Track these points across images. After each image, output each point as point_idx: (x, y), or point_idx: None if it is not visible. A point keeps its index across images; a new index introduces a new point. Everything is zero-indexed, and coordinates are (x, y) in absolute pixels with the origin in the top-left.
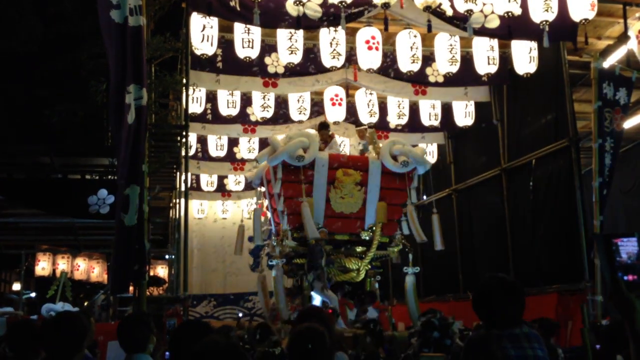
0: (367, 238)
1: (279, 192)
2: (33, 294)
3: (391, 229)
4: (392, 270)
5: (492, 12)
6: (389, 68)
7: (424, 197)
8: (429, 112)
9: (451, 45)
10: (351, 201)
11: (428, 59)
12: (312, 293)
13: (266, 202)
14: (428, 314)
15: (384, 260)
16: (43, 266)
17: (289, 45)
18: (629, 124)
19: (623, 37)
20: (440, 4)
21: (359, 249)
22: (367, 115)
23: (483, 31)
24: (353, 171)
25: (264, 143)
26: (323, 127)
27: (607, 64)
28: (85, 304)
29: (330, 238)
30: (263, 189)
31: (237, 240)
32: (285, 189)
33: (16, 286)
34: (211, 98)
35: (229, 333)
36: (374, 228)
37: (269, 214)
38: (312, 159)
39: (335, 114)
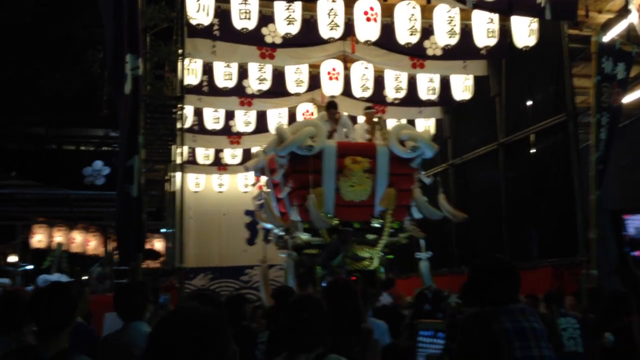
0: (378, 225)
1: (288, 183)
2: (30, 267)
3: (401, 215)
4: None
5: None
6: (386, 40)
7: (422, 172)
8: (427, 85)
9: (450, 17)
10: (360, 189)
11: (427, 31)
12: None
13: (268, 190)
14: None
15: (392, 247)
16: (39, 238)
17: (287, 16)
18: (627, 99)
19: (624, 11)
20: None
21: (371, 236)
22: (360, 89)
23: (482, 5)
24: (362, 158)
25: (260, 116)
26: (331, 107)
27: (607, 38)
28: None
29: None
30: (265, 178)
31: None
32: (294, 180)
33: (12, 258)
34: (207, 70)
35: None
36: (384, 215)
37: (265, 189)
38: (320, 148)
39: (332, 88)
